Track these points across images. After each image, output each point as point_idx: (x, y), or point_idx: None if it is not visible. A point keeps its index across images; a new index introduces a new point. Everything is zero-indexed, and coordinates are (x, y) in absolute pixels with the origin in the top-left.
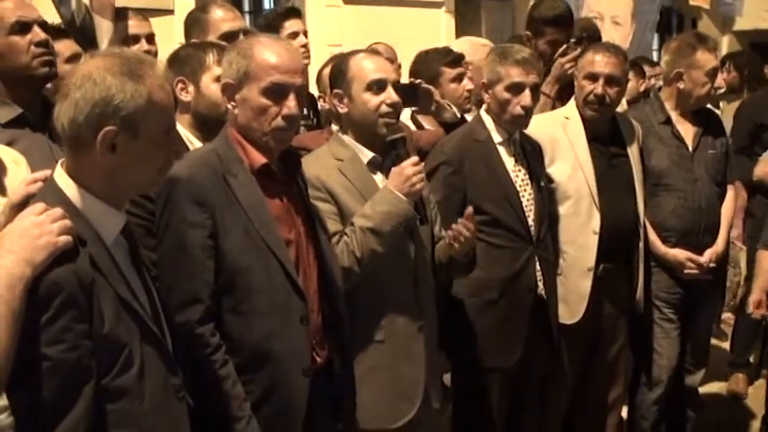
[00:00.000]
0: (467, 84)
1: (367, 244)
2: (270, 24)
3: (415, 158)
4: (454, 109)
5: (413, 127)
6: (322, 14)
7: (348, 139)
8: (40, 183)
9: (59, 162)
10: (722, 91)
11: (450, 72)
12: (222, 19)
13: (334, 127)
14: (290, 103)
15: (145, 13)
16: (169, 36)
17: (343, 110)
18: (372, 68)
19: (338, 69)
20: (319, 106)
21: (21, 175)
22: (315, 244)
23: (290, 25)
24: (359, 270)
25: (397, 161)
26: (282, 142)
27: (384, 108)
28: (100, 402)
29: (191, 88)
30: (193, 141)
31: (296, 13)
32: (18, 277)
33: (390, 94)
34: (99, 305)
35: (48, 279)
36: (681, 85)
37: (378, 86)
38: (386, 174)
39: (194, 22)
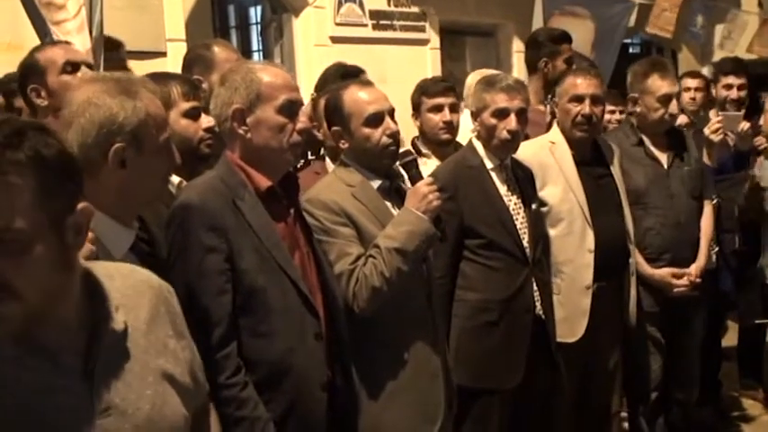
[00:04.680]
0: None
1: (394, 264)
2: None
3: (429, 178)
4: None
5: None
6: (311, 54)
7: (354, 166)
8: None
9: None
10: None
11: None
12: (227, 59)
13: (329, 165)
14: (303, 118)
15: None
16: None
17: (344, 145)
18: (367, 101)
19: (333, 105)
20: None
21: None
22: (317, 264)
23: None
24: (388, 290)
25: (412, 182)
26: (297, 157)
27: (385, 140)
28: None
29: None
30: (172, 179)
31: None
32: None
33: (389, 125)
34: None
35: None
36: (637, 109)
37: (375, 120)
38: (393, 199)
39: (197, 60)
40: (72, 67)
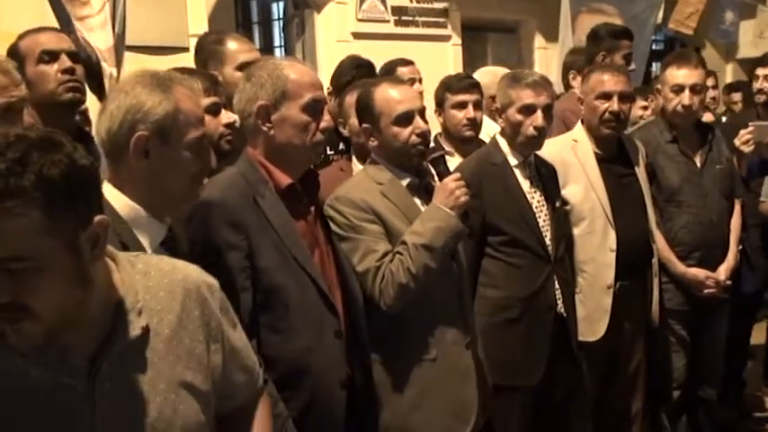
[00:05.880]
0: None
1: (421, 260)
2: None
3: (456, 174)
4: None
5: None
6: (333, 49)
7: (384, 164)
8: None
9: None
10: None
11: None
12: (238, 50)
13: (355, 163)
14: (327, 117)
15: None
16: None
17: (373, 143)
18: (398, 100)
19: (364, 103)
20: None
21: None
22: (336, 262)
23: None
24: (414, 286)
25: (440, 178)
26: (318, 156)
27: (414, 139)
28: None
29: None
30: None
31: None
32: None
33: (418, 124)
34: None
35: None
36: (660, 101)
37: (405, 119)
38: (423, 196)
39: (210, 55)
40: (49, 56)
